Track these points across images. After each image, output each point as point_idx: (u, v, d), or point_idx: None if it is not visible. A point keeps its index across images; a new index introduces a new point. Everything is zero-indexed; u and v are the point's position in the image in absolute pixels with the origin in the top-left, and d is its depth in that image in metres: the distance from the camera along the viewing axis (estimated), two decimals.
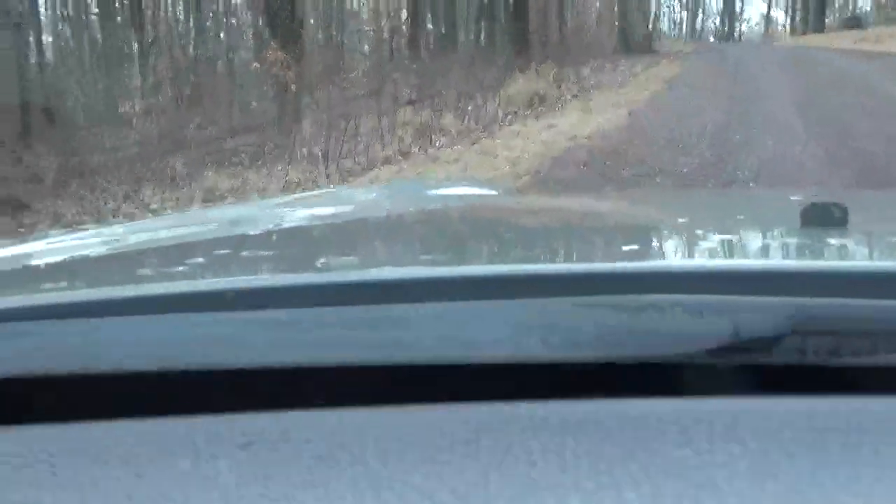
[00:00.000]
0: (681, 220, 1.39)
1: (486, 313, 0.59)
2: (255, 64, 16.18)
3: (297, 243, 1.33)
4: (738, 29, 53.49)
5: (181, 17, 32.52)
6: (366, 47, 32.54)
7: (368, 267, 0.93)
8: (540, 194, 6.19)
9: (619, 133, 10.86)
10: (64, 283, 0.93)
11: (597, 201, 2.10)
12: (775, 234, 1.17)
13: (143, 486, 0.48)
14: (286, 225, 1.58)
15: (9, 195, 10.86)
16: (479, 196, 2.16)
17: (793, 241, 1.04)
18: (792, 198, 1.36)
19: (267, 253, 1.15)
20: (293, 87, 14.84)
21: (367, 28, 34.29)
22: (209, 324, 0.60)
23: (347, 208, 1.96)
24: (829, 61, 18.20)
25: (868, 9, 43.73)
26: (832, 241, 0.91)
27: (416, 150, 11.56)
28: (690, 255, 0.98)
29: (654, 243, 1.18)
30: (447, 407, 0.54)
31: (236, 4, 38.65)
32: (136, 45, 26.33)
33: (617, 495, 0.45)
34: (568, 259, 1.02)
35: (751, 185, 7.96)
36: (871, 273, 0.70)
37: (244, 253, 1.15)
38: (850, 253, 0.94)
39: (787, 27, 48.22)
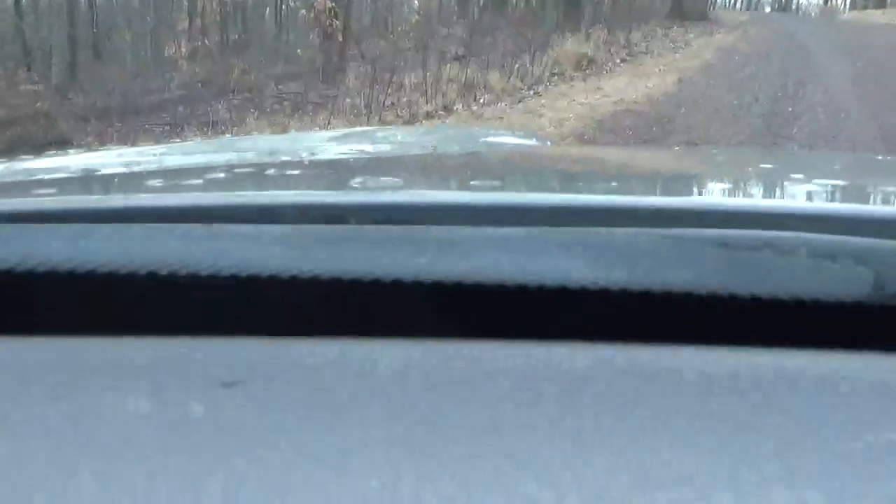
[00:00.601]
0: (765, 167, 1.28)
1: (563, 240, 0.51)
2: (303, 11, 16.05)
3: (325, 171, 1.25)
4: (795, 1, 52.22)
5: None
6: (415, 1, 32.23)
7: (405, 189, 0.85)
8: (588, 146, 6.05)
9: (667, 100, 10.64)
10: (60, 192, 0.87)
11: (658, 154, 1.97)
12: (878, 185, 1.06)
13: (78, 427, 0.40)
14: (320, 156, 1.51)
15: (52, 131, 10.94)
16: (528, 145, 2.06)
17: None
18: (875, 158, 1.26)
19: (295, 172, 1.08)
20: (340, 37, 14.74)
21: None
22: (202, 236, 0.52)
23: (386, 146, 1.89)
24: (888, 35, 17.68)
25: None
26: None
27: (460, 106, 11.44)
28: (800, 198, 0.87)
29: (745, 186, 1.06)
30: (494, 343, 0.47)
31: None
32: None
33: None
34: (654, 194, 0.92)
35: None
36: None
37: (269, 172, 1.08)
38: None
39: (847, 1, 47.01)
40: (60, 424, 0.40)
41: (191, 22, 21.08)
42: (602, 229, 0.52)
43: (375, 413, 0.40)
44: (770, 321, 0.47)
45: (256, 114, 12.20)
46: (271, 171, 1.11)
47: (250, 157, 1.41)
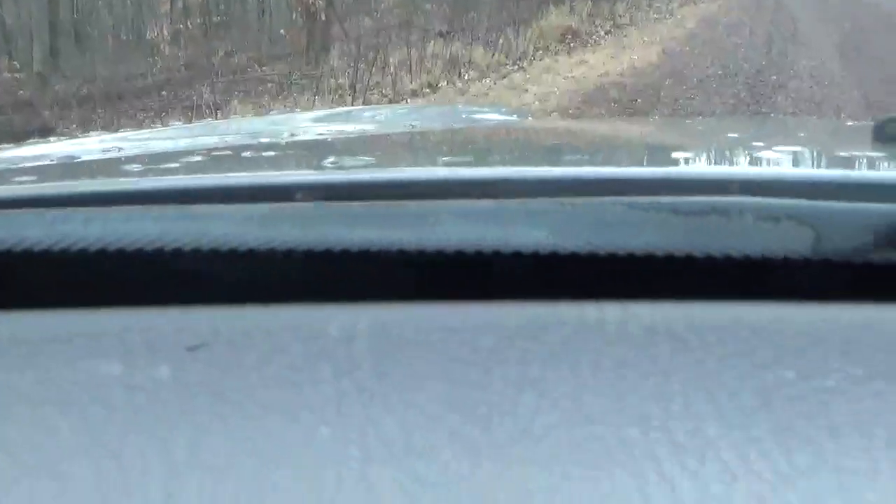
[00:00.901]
0: (731, 136, 1.33)
1: (532, 210, 0.54)
2: None
3: (312, 150, 1.28)
4: None
5: None
6: None
7: (383, 167, 0.88)
8: (575, 119, 6.11)
9: (651, 71, 10.64)
10: (38, 179, 0.89)
11: (635, 125, 2.05)
12: (839, 149, 1.11)
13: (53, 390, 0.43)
14: (304, 137, 1.53)
15: (35, 119, 10.87)
16: (509, 121, 2.09)
17: (863, 154, 0.98)
18: (850, 123, 1.32)
19: (277, 154, 1.10)
20: (323, 16, 14.66)
21: None
22: (171, 216, 0.55)
23: (370, 126, 1.90)
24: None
25: None
26: None
27: (445, 83, 11.42)
28: (754, 164, 0.91)
29: (708, 153, 1.12)
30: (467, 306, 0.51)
31: None
32: None
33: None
34: (620, 165, 0.97)
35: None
36: None
37: (247, 154, 1.11)
38: None
39: None
40: (41, 387, 0.44)
41: (172, 4, 20.91)
42: (565, 199, 0.55)
43: (326, 371, 0.44)
44: (716, 278, 0.51)
45: (241, 96, 12.15)
46: (248, 154, 1.14)
47: (231, 139, 1.42)
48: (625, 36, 13.59)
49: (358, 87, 11.36)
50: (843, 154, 1.07)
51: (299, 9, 15.14)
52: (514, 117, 2.49)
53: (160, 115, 11.06)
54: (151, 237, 0.51)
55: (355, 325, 0.48)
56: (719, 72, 10.43)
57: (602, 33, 13.96)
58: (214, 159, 1.04)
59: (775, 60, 10.94)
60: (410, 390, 0.42)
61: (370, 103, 10.79)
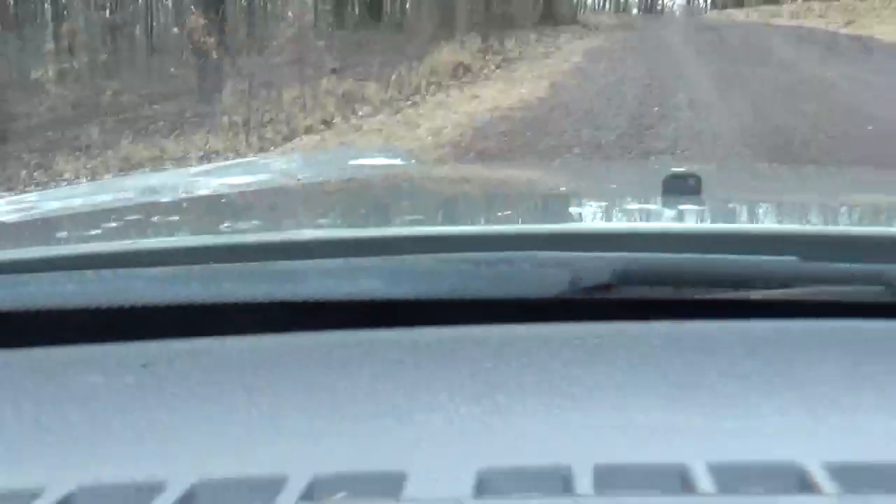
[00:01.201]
0: (553, 187, 1.60)
1: (366, 266, 0.72)
2: (175, 29, 15.79)
3: (207, 209, 1.42)
4: (660, 2, 54.19)
5: None
6: (290, 14, 32.05)
7: (269, 230, 1.03)
8: (450, 164, 6.33)
9: (540, 104, 10.97)
10: None
11: (493, 171, 2.24)
12: (629, 200, 1.33)
13: (65, 393, 0.65)
14: (200, 192, 1.62)
15: None
16: (387, 166, 2.23)
17: (638, 206, 1.23)
18: (674, 169, 1.49)
19: (177, 218, 1.23)
20: (214, 54, 14.56)
21: None
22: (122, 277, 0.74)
23: (264, 177, 1.99)
24: (745, 36, 18.61)
25: None
26: (685, 207, 1.03)
27: (339, 119, 11.50)
28: (546, 220, 1.16)
29: (518, 208, 1.34)
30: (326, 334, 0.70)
31: None
32: (48, 7, 25.48)
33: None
34: (447, 221, 1.17)
35: (670, 155, 8.17)
36: (686, 234, 0.89)
37: (154, 218, 1.23)
38: (694, 216, 1.06)
39: (708, 1, 49.05)
40: (50, 390, 0.66)
41: (57, 43, 20.42)
42: (392, 257, 0.73)
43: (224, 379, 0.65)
44: (506, 311, 0.69)
45: (131, 136, 11.97)
46: (154, 218, 1.29)
47: (128, 198, 1.52)
48: (514, 70, 13.96)
49: (251, 123, 11.35)
50: (632, 206, 1.28)
51: (190, 46, 14.99)
52: (399, 160, 2.62)
53: (47, 156, 10.80)
54: (99, 295, 0.71)
55: (243, 351, 0.69)
56: (604, 103, 10.84)
57: (493, 67, 14.28)
58: (124, 224, 1.19)
59: (657, 93, 11.42)
60: (293, 395, 0.62)
61: (264, 140, 10.78)
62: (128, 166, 9.72)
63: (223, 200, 1.57)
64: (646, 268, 0.69)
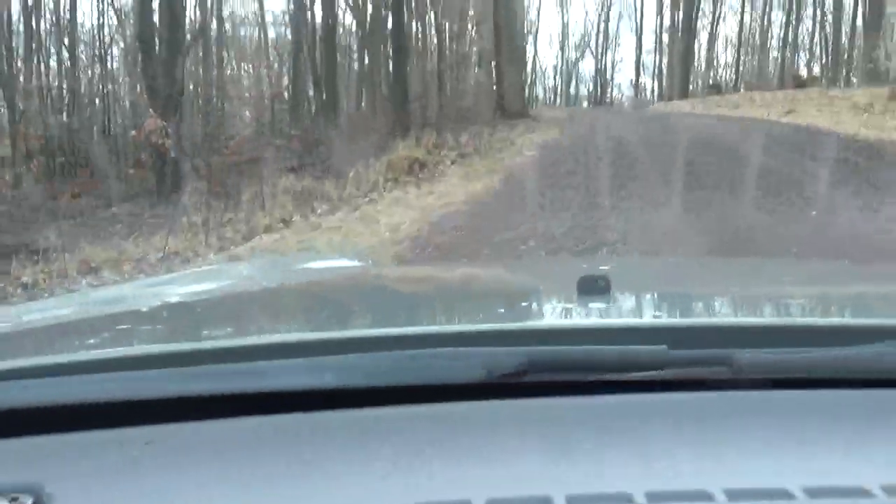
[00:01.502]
0: (488, 287, 1.89)
1: (323, 364, 0.89)
2: (133, 132, 15.98)
3: (170, 318, 1.57)
4: (609, 94, 55.86)
5: (55, 83, 31.86)
6: (247, 114, 32.52)
7: (238, 334, 1.23)
8: (402, 266, 6.53)
9: (495, 198, 11.24)
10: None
11: (437, 272, 2.44)
12: (550, 300, 1.60)
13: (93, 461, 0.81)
14: (164, 301, 1.74)
15: None
16: (339, 269, 2.38)
17: (554, 304, 1.50)
18: (602, 267, 1.73)
19: (145, 327, 1.35)
20: (172, 155, 14.74)
21: (247, 94, 34.25)
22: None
23: (222, 283, 2.09)
24: (693, 126, 19.23)
25: (728, 77, 46.64)
26: (594, 305, 1.26)
27: (298, 217, 11.64)
28: (476, 317, 1.40)
29: (455, 307, 1.60)
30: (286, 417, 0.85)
31: (114, 71, 38.14)
32: (5, 112, 25.58)
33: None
34: (384, 323, 1.37)
35: (620, 246, 8.40)
36: (590, 329, 1.11)
37: (122, 327, 1.36)
38: (601, 312, 1.28)
39: (656, 93, 50.64)
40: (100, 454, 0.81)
41: (14, 147, 20.52)
42: (341, 357, 0.90)
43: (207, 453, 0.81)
44: (436, 395, 0.86)
45: (90, 238, 11.99)
46: (125, 325, 1.46)
47: (96, 308, 1.63)
48: (469, 165, 14.27)
49: (211, 223, 11.45)
50: (548, 305, 1.54)
51: (148, 148, 15.16)
52: (355, 263, 2.75)
53: (4, 261, 10.76)
54: (99, 395, 0.86)
55: (219, 431, 0.84)
56: (557, 196, 11.12)
57: (448, 163, 14.59)
58: (112, 332, 1.35)
59: (607, 182, 11.74)
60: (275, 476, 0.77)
61: (224, 240, 10.87)
62: (86, 269, 9.72)
63: (198, 309, 1.71)
64: (549, 357, 0.88)
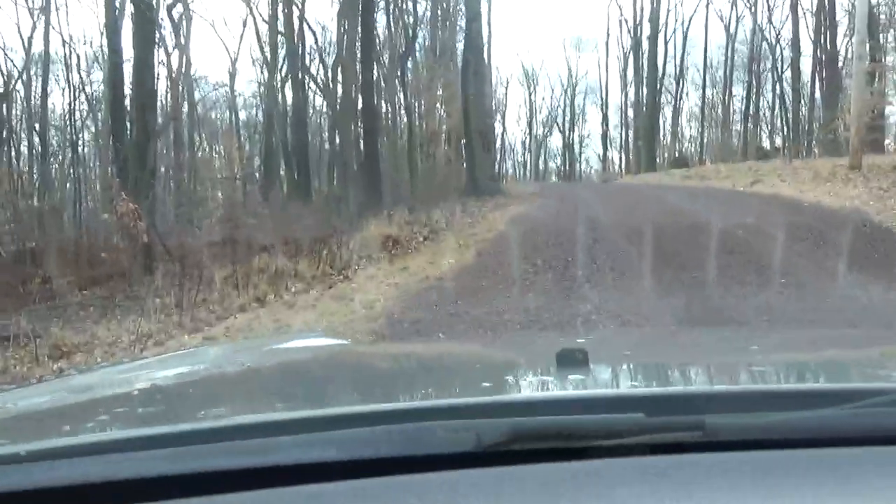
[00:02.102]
0: (464, 361, 1.98)
1: (318, 440, 0.95)
2: (105, 216, 15.96)
3: (149, 401, 1.60)
4: (578, 168, 56.70)
5: (25, 168, 31.88)
6: (219, 194, 32.62)
7: (216, 417, 1.26)
8: (379, 344, 6.56)
9: (468, 273, 11.30)
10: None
11: (417, 349, 2.49)
12: (532, 373, 1.67)
13: None
14: (141, 385, 1.76)
15: None
16: (317, 348, 2.41)
17: (534, 378, 1.57)
18: (578, 340, 1.80)
19: (121, 410, 1.43)
20: (144, 237, 14.70)
21: (220, 176, 34.43)
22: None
23: (198, 366, 2.11)
24: (661, 198, 19.53)
25: (693, 149, 47.59)
26: (573, 376, 1.32)
27: (272, 296, 11.62)
28: (459, 393, 1.45)
29: (430, 383, 1.68)
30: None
31: (85, 155, 38.26)
32: None
33: None
34: (373, 399, 1.42)
35: (594, 316, 8.46)
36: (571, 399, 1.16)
37: (100, 411, 1.38)
38: (580, 384, 1.33)
39: (623, 166, 51.47)
40: None
41: None
42: (332, 432, 0.96)
43: None
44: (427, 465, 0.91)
45: (61, 323, 11.87)
46: (120, 409, 1.50)
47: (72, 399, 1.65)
48: (442, 241, 14.36)
49: (185, 305, 11.38)
50: (530, 378, 1.62)
51: (120, 231, 15.12)
52: (334, 341, 2.77)
53: None
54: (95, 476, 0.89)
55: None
56: (530, 269, 11.21)
57: (421, 239, 14.66)
58: (90, 418, 1.38)
59: (580, 254, 11.86)
60: None
61: (198, 321, 10.80)
62: (58, 354, 9.61)
63: (176, 392, 1.74)
64: (535, 427, 0.94)
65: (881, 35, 31.17)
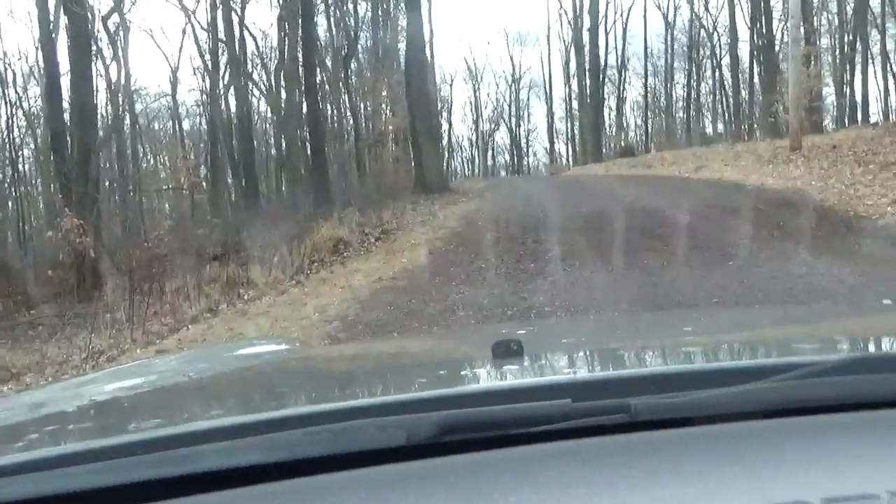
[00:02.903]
0: (403, 359, 2.03)
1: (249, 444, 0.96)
2: (49, 233, 15.68)
3: (99, 414, 1.62)
4: (526, 162, 57.02)
5: None
6: (166, 205, 32.23)
7: (163, 426, 1.27)
8: (325, 346, 6.56)
9: (421, 272, 11.31)
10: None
11: (357, 349, 2.55)
12: (467, 365, 1.73)
13: None
14: (91, 399, 1.75)
15: None
16: (267, 353, 2.42)
17: (469, 370, 1.63)
18: (519, 332, 1.83)
19: (72, 426, 1.38)
20: (91, 252, 14.49)
21: (165, 186, 34.00)
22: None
23: (150, 377, 2.10)
24: (608, 189, 19.71)
25: (638, 138, 48.17)
26: (507, 367, 1.35)
27: (225, 305, 11.53)
28: (394, 391, 1.50)
29: (368, 382, 1.72)
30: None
31: (27, 172, 37.52)
32: None
33: None
34: (310, 401, 1.46)
35: (547, 308, 8.53)
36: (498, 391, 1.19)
37: (49, 427, 1.38)
38: (514, 373, 1.37)
39: (570, 158, 51.85)
40: None
41: None
42: (269, 436, 0.98)
43: None
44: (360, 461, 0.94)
45: (9, 343, 11.66)
46: (88, 424, 1.52)
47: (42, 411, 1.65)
48: (394, 241, 14.35)
49: (136, 318, 11.25)
50: (465, 371, 1.66)
51: (66, 247, 14.86)
52: (283, 346, 2.78)
53: None
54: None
55: None
56: (483, 265, 11.26)
57: (373, 240, 14.64)
58: (39, 433, 1.40)
59: (530, 249, 11.94)
60: None
61: (150, 334, 10.69)
62: (7, 376, 9.43)
63: (126, 404, 1.75)
64: (463, 419, 0.98)
65: (815, 18, 31.91)
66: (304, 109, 25.33)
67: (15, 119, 35.58)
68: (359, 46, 32.57)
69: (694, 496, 0.84)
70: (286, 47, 29.10)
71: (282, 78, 31.13)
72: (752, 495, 0.83)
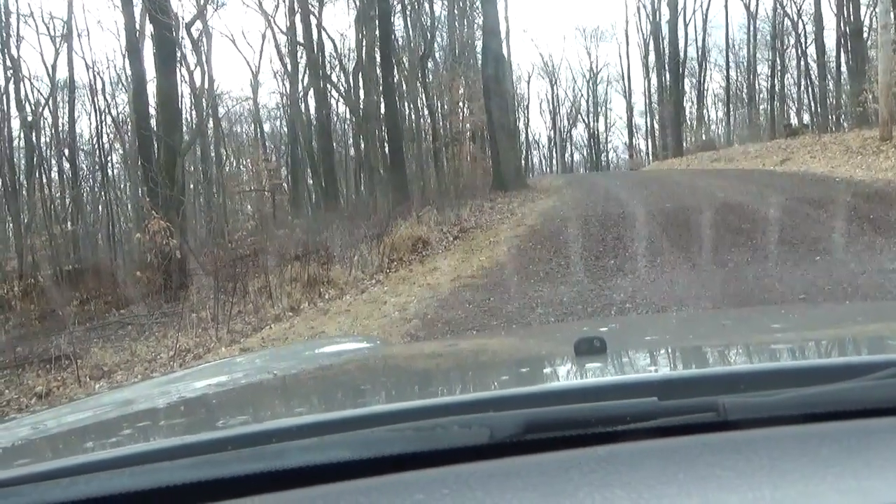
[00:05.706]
0: (486, 356, 2.04)
1: (336, 441, 0.97)
2: (138, 235, 16.13)
3: (187, 412, 1.65)
4: (605, 158, 56.45)
5: (57, 194, 32.31)
6: (248, 207, 32.85)
7: (249, 423, 1.29)
8: (407, 344, 6.57)
9: (500, 270, 11.28)
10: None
11: (441, 347, 2.55)
12: (549, 363, 1.72)
13: None
14: (179, 396, 1.78)
15: None
16: (349, 350, 2.43)
17: (552, 367, 1.61)
18: (601, 329, 1.81)
19: (162, 423, 1.50)
20: (178, 253, 14.85)
21: (247, 188, 34.65)
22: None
23: (235, 375, 2.13)
24: (689, 183, 19.37)
25: (720, 131, 47.18)
26: (590, 365, 1.34)
27: (306, 304, 11.67)
28: (477, 388, 1.49)
29: (452, 379, 1.73)
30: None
31: (115, 176, 38.73)
32: (10, 225, 25.90)
33: None
34: (393, 398, 1.47)
35: (629, 305, 8.40)
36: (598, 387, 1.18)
37: (140, 424, 1.41)
38: (598, 371, 1.36)
39: (650, 152, 51.14)
40: None
41: (21, 259, 20.70)
42: (357, 432, 0.98)
43: None
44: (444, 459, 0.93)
45: (100, 343, 12.03)
46: (162, 423, 1.56)
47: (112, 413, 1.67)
48: (472, 239, 14.36)
49: (220, 318, 11.48)
50: (547, 368, 1.66)
51: (153, 249, 15.26)
52: (365, 344, 2.77)
53: (17, 372, 10.77)
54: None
55: None
56: (562, 262, 11.17)
57: (451, 238, 14.67)
58: (131, 430, 1.44)
59: (610, 245, 11.80)
60: None
61: (234, 333, 10.89)
62: (99, 374, 9.73)
63: (214, 401, 1.78)
64: (547, 417, 0.97)
65: None
66: (382, 109, 25.53)
67: (104, 126, 36.73)
68: (435, 45, 32.65)
69: (790, 498, 0.80)
70: (364, 48, 29.39)
71: (360, 79, 31.44)
72: (852, 497, 0.79)
